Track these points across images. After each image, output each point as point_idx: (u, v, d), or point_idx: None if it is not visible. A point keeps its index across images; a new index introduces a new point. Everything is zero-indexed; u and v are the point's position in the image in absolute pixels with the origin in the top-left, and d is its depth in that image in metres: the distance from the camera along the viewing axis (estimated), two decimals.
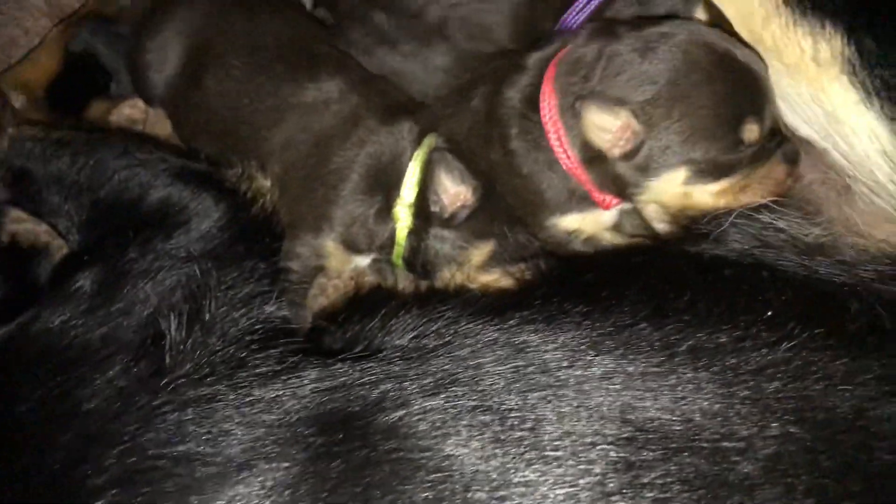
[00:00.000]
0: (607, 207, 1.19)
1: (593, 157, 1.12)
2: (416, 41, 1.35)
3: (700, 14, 1.20)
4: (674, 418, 0.84)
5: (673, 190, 1.11)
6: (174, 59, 1.35)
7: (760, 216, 1.08)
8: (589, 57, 1.12)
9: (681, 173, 1.09)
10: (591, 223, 1.22)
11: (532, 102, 1.18)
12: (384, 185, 1.18)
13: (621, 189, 1.13)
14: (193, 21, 1.36)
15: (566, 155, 1.14)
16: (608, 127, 1.06)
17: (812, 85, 1.09)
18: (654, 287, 1.00)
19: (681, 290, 0.98)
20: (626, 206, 1.21)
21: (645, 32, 1.11)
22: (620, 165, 1.10)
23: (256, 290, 1.07)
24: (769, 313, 0.93)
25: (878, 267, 1.00)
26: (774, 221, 1.07)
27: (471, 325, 1.00)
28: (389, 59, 1.36)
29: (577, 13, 1.22)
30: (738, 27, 1.17)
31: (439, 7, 1.31)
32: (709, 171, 1.08)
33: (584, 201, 1.19)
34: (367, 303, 1.15)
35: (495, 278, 1.14)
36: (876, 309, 0.92)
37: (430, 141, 1.20)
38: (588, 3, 1.22)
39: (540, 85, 1.17)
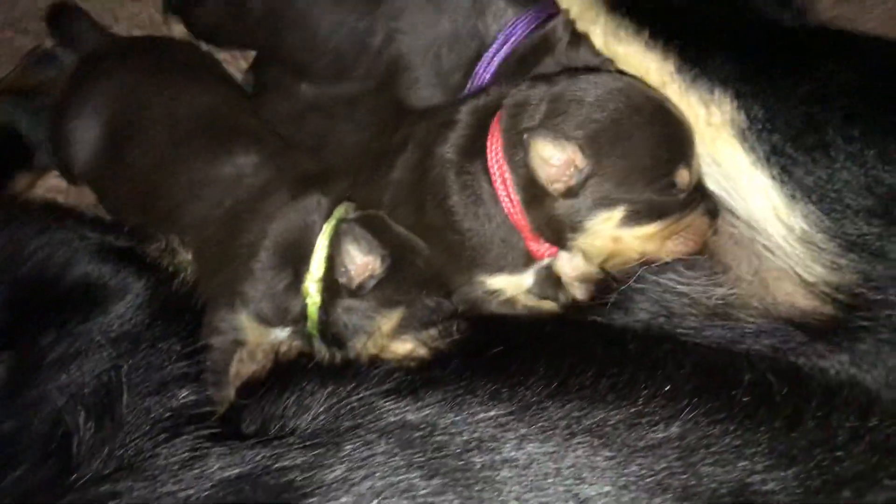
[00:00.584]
0: (541, 257, 1.20)
1: (535, 196, 1.13)
2: (341, 105, 1.36)
3: None
4: (570, 501, 0.86)
5: (607, 232, 1.13)
6: (95, 132, 1.36)
7: (667, 280, 1.10)
8: (534, 99, 1.15)
9: (617, 213, 1.11)
10: (514, 285, 1.23)
11: (469, 153, 1.21)
12: (294, 259, 1.19)
13: (558, 232, 1.15)
14: (113, 94, 1.37)
15: (508, 198, 1.16)
16: (554, 160, 1.08)
17: (709, 147, 1.13)
18: (561, 361, 1.02)
19: (586, 364, 1.00)
20: (547, 266, 1.22)
21: (587, 78, 1.15)
22: (560, 205, 1.12)
23: (171, 374, 1.07)
24: (667, 387, 0.95)
25: (776, 331, 1.03)
26: (679, 286, 1.09)
27: (381, 405, 1.01)
28: (314, 124, 1.36)
29: (487, 65, 1.23)
30: None
31: (364, 68, 1.31)
32: (644, 212, 1.11)
33: (517, 260, 1.22)
34: (285, 377, 1.16)
35: (409, 348, 1.15)
36: (768, 378, 0.95)
37: (340, 212, 1.22)
38: (496, 54, 1.24)
39: (477, 134, 1.20)
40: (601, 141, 1.08)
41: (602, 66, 1.23)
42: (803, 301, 1.07)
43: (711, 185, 1.17)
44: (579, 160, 1.07)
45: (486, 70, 1.23)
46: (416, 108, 1.29)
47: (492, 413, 0.97)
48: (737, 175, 1.11)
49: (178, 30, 1.56)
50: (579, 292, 1.23)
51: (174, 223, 1.27)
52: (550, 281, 1.25)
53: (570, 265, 1.21)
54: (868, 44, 1.17)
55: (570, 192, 1.09)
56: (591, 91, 1.11)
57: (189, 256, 1.26)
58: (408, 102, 1.29)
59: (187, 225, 1.27)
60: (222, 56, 1.53)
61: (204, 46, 1.52)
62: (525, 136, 1.09)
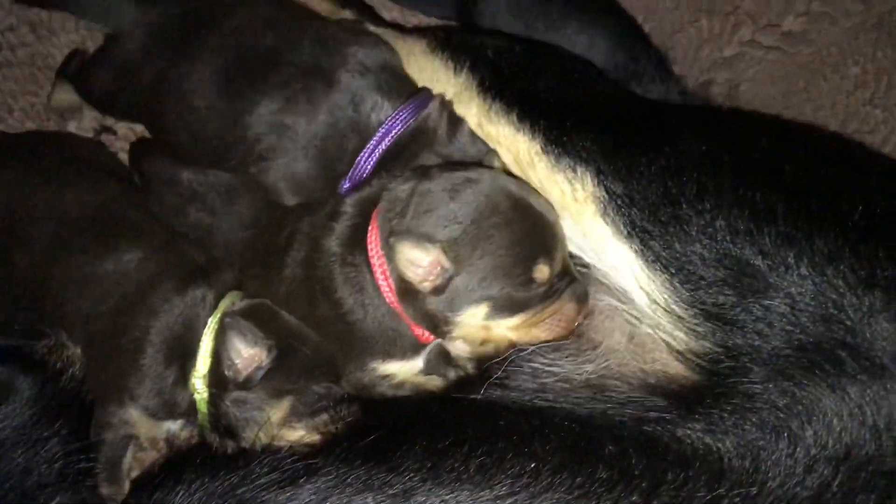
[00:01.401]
0: (426, 341, 1.24)
1: (409, 291, 1.19)
2: (223, 196, 1.37)
3: (496, 161, 1.26)
4: None
5: (476, 324, 1.18)
6: None
7: (541, 358, 1.13)
8: (404, 195, 1.20)
9: (482, 308, 1.17)
10: (406, 370, 1.27)
11: (353, 245, 1.26)
12: (180, 354, 1.21)
13: (433, 324, 1.20)
14: None
15: (389, 290, 1.21)
16: (419, 262, 1.14)
17: (577, 221, 1.17)
18: (437, 443, 1.04)
19: (460, 444, 1.03)
20: (436, 347, 1.25)
21: (454, 175, 1.21)
22: (431, 300, 1.17)
23: (51, 478, 1.07)
24: (532, 465, 0.97)
25: (644, 400, 1.06)
26: (549, 367, 1.13)
27: (264, 497, 1.03)
28: (198, 216, 1.38)
29: (369, 156, 1.27)
30: (514, 170, 1.24)
31: (245, 159, 1.33)
32: (506, 306, 1.17)
33: (407, 345, 1.27)
34: (177, 469, 1.16)
35: (300, 435, 1.17)
36: (629, 451, 0.98)
37: (225, 304, 1.23)
38: (378, 145, 1.27)
39: (361, 226, 1.25)
40: (462, 242, 1.14)
41: (479, 153, 1.26)
42: (673, 368, 1.11)
43: (585, 256, 1.20)
44: (443, 261, 1.12)
45: (367, 161, 1.26)
46: (297, 199, 1.31)
47: (367, 502, 0.98)
48: (603, 248, 1.15)
49: (72, 125, 1.56)
50: (470, 367, 1.25)
51: (62, 319, 1.27)
52: (442, 357, 1.27)
53: (455, 346, 1.24)
54: (724, 116, 1.22)
55: (438, 290, 1.14)
56: (455, 191, 1.17)
57: (77, 352, 1.25)
58: (287, 194, 1.30)
59: (75, 321, 1.27)
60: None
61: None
62: (391, 239, 1.13)
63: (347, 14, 1.62)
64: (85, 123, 1.62)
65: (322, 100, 1.27)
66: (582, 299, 1.18)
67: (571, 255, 1.22)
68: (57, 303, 1.27)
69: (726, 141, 1.15)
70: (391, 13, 1.76)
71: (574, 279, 1.18)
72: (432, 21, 1.70)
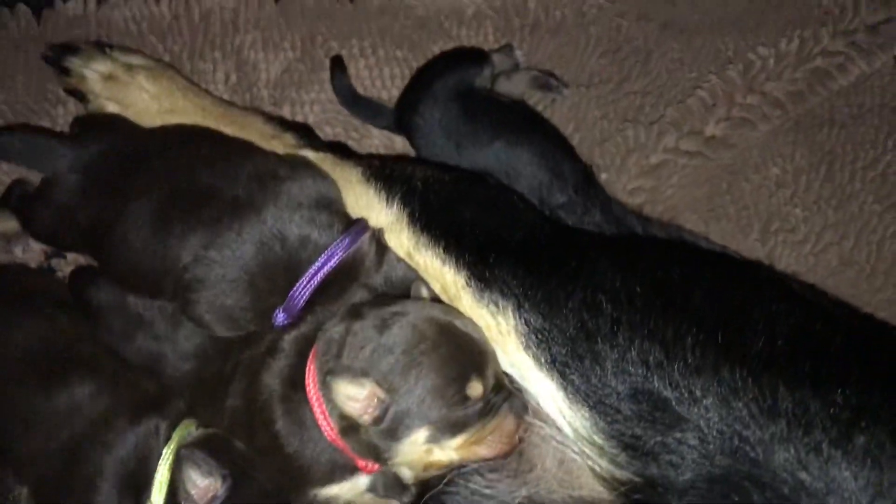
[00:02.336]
0: (370, 472, 1.30)
1: (349, 425, 1.24)
2: (168, 323, 1.42)
3: (423, 289, 1.32)
4: None
5: (418, 449, 1.24)
6: None
7: (474, 484, 1.18)
8: (338, 335, 1.27)
9: (422, 433, 1.22)
10: (349, 489, 1.31)
11: (292, 382, 1.31)
12: (134, 488, 1.24)
13: (377, 454, 1.25)
14: None
15: (328, 426, 1.25)
16: (356, 396, 1.20)
17: (504, 352, 1.23)
18: None
19: None
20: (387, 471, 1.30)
21: (382, 311, 1.27)
22: (372, 432, 1.22)
23: None
24: None
25: None
26: (485, 488, 1.18)
27: None
28: (146, 344, 1.42)
29: (303, 289, 1.32)
30: (444, 298, 1.30)
31: (185, 289, 1.38)
32: (446, 428, 1.22)
33: (346, 470, 1.31)
34: None
35: None
36: None
37: (180, 434, 1.27)
38: (312, 279, 1.32)
39: (298, 364, 1.31)
40: (395, 372, 1.20)
41: (406, 282, 1.33)
42: (599, 494, 1.16)
43: (517, 381, 1.26)
44: (379, 393, 1.17)
45: (301, 295, 1.31)
46: (227, 331, 1.36)
47: None
48: (528, 379, 1.21)
49: (19, 250, 1.60)
50: (414, 490, 1.31)
51: (10, 458, 1.30)
52: (392, 481, 1.32)
53: (400, 473, 1.29)
54: (639, 244, 1.30)
55: (377, 422, 1.19)
56: (384, 326, 1.24)
57: (25, 493, 1.28)
58: (216, 326, 1.35)
59: (24, 460, 1.29)
60: None
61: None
62: (328, 378, 1.19)
63: (289, 137, 1.68)
64: (33, 248, 1.66)
65: (251, 235, 1.33)
66: (520, 412, 1.23)
67: (507, 376, 1.27)
68: (5, 441, 1.30)
69: (640, 272, 1.22)
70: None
71: (511, 394, 1.24)
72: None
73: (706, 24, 2.00)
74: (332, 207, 1.40)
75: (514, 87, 1.87)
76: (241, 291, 1.35)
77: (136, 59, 1.79)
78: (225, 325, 1.38)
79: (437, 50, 1.95)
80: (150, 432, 1.28)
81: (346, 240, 1.35)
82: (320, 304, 1.33)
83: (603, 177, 1.80)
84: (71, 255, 1.72)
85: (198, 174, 1.40)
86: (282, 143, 1.69)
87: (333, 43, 1.92)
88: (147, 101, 1.73)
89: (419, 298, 1.30)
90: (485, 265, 1.24)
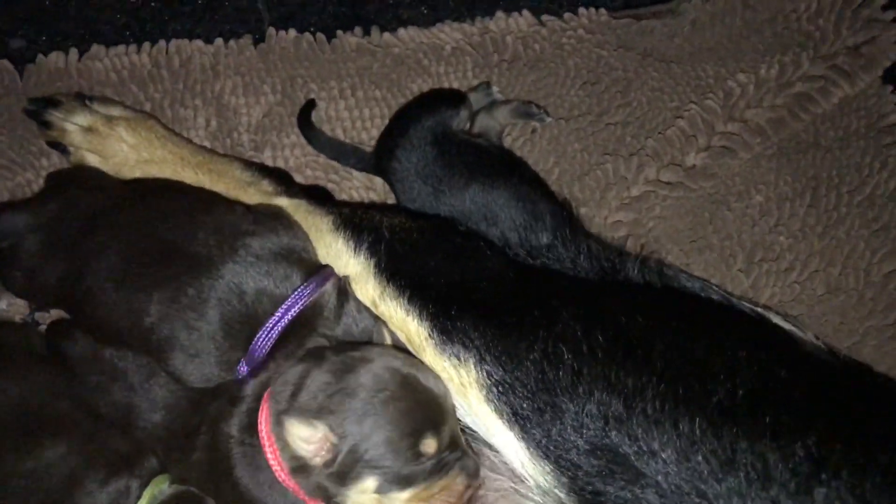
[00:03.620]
0: None
1: (301, 466, 1.24)
2: (142, 374, 1.43)
3: (386, 336, 1.32)
4: None
5: (367, 498, 1.24)
6: None
7: None
8: (296, 377, 1.27)
9: (371, 482, 1.23)
10: None
11: (250, 427, 1.32)
12: None
13: (327, 496, 1.25)
14: None
15: (280, 468, 1.26)
16: (308, 438, 1.21)
17: (467, 403, 1.23)
18: None
19: None
20: None
21: (343, 356, 1.28)
22: (323, 474, 1.23)
23: None
24: None
25: None
26: None
27: None
28: (121, 395, 1.43)
29: (262, 342, 1.33)
30: (409, 348, 1.30)
31: (139, 344, 1.39)
32: (395, 480, 1.22)
33: None
34: None
35: None
36: None
37: (150, 494, 1.28)
38: (270, 332, 1.33)
39: (255, 410, 1.32)
40: (350, 419, 1.20)
41: (367, 330, 1.33)
42: None
43: (479, 434, 1.26)
44: (331, 437, 1.18)
45: (262, 347, 1.32)
46: (201, 383, 1.37)
47: None
48: (490, 430, 1.21)
49: (3, 304, 1.62)
50: None
51: None
52: None
53: None
54: (604, 291, 1.29)
55: (328, 465, 1.20)
56: (343, 371, 1.24)
57: None
58: (188, 380, 1.36)
59: None
60: None
61: None
62: (281, 417, 1.19)
63: (265, 184, 1.69)
64: (17, 301, 1.68)
65: (210, 293, 1.34)
66: (472, 474, 1.23)
67: (469, 430, 1.26)
68: None
69: (603, 321, 1.21)
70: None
71: (464, 453, 1.24)
72: None
73: (686, 52, 1.99)
74: (292, 258, 1.40)
75: (494, 121, 1.87)
76: (207, 348, 1.36)
77: (115, 111, 1.81)
78: (197, 378, 1.39)
79: (416, 88, 1.95)
80: (121, 492, 1.28)
81: (306, 290, 1.35)
82: (281, 355, 1.33)
83: (583, 211, 1.78)
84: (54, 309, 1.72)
85: (159, 230, 1.41)
86: (258, 191, 1.70)
87: (313, 85, 1.92)
88: (126, 152, 1.74)
89: (381, 345, 1.29)
90: (447, 317, 1.24)
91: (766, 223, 1.82)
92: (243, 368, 1.36)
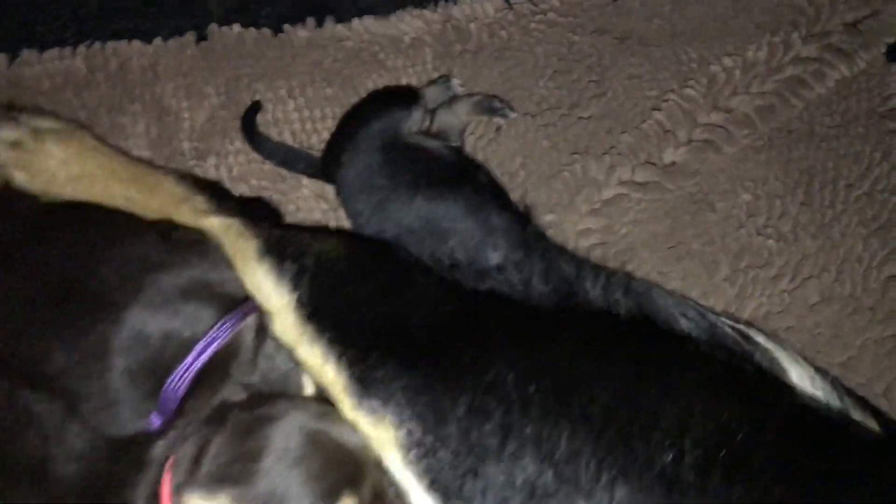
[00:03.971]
0: None
1: None
2: (57, 420, 1.32)
3: (306, 385, 1.19)
4: None
5: None
6: None
7: None
8: (197, 444, 1.15)
9: None
10: None
11: (154, 498, 1.19)
12: None
13: None
14: None
15: None
16: None
17: (388, 464, 1.09)
18: None
19: None
20: None
21: (248, 415, 1.15)
22: None
23: None
24: None
25: None
26: None
27: None
28: (34, 443, 1.32)
29: (171, 391, 1.21)
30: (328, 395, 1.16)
31: (63, 398, 1.27)
32: None
33: None
34: None
35: None
36: None
37: None
38: (179, 381, 1.22)
39: (158, 478, 1.19)
40: (255, 485, 1.07)
41: (283, 377, 1.20)
42: None
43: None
44: None
45: (170, 398, 1.20)
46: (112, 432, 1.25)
47: None
48: (413, 497, 1.07)
49: None
50: None
51: None
52: None
53: None
54: (547, 328, 1.14)
55: None
56: (248, 433, 1.11)
57: None
58: (102, 428, 1.25)
59: None
60: None
61: None
62: (181, 490, 1.07)
63: (199, 201, 1.56)
64: None
65: (112, 338, 1.21)
66: None
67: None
68: None
69: (543, 366, 1.08)
70: None
71: None
72: None
73: (666, 33, 1.81)
74: (206, 294, 1.27)
75: (455, 118, 1.71)
76: (116, 399, 1.25)
77: (45, 123, 1.68)
78: (112, 428, 1.27)
79: (371, 84, 1.80)
80: None
81: (220, 331, 1.22)
82: (194, 406, 1.20)
83: (549, 218, 1.62)
84: None
85: (62, 266, 1.28)
86: (190, 209, 1.56)
87: (259, 85, 1.77)
88: (55, 168, 1.62)
89: (298, 398, 1.16)
90: (367, 365, 1.10)
91: (754, 224, 1.64)
92: (156, 421, 1.23)
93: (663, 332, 1.20)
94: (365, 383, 1.10)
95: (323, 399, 1.19)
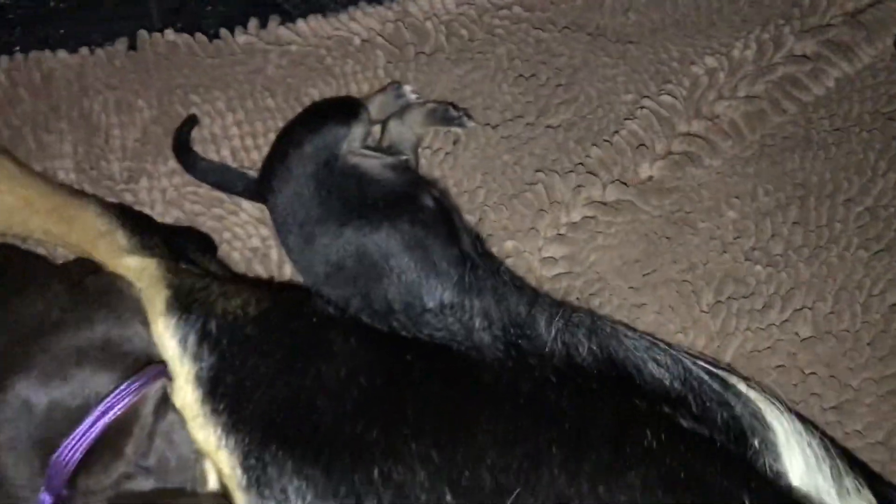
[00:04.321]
0: None
1: None
2: None
3: (212, 476, 1.04)
4: None
5: None
6: None
7: None
8: None
9: None
10: None
11: None
12: None
13: None
14: None
15: None
16: None
17: None
18: None
19: None
20: None
21: None
22: None
23: None
24: None
25: None
26: None
27: None
28: None
29: (58, 470, 1.06)
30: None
31: None
32: None
33: None
34: None
35: None
36: None
37: None
38: (66, 459, 1.07)
39: None
40: None
41: (184, 461, 1.04)
42: None
43: None
44: None
45: (59, 475, 1.06)
46: None
47: None
48: None
49: None
50: None
51: None
52: None
53: None
54: (493, 398, 0.97)
55: None
56: None
57: None
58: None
59: None
60: None
61: None
62: None
63: (119, 236, 1.42)
64: None
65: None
66: None
67: None
68: None
69: (462, 464, 0.90)
70: None
71: None
72: None
73: (644, 28, 1.61)
74: (104, 357, 1.12)
75: (408, 128, 1.53)
76: (6, 475, 1.09)
77: None
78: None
79: (317, 93, 1.63)
80: None
81: (114, 400, 1.06)
82: (87, 486, 1.05)
83: (509, 245, 1.44)
84: None
85: None
86: (109, 245, 1.42)
87: (194, 97, 1.60)
88: None
89: (196, 493, 1.00)
90: (262, 460, 0.95)
91: (740, 247, 1.45)
92: (46, 499, 1.08)
93: (619, 407, 1.03)
94: (260, 481, 0.94)
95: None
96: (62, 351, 1.13)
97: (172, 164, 1.60)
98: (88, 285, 1.26)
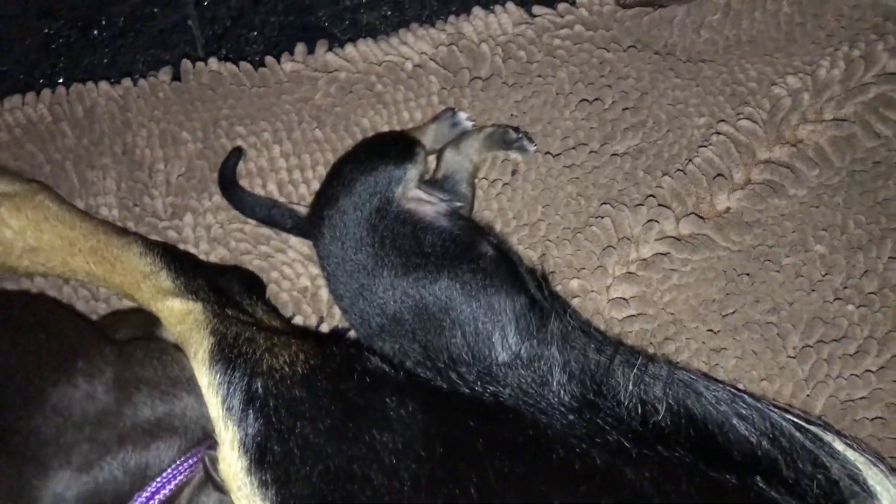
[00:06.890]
0: None
1: None
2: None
3: None
4: None
5: None
6: None
7: None
8: None
9: None
10: None
11: None
12: None
13: None
14: None
15: None
16: None
17: None
18: None
19: None
20: None
21: None
22: None
23: None
24: None
25: None
26: None
27: None
28: None
29: None
30: None
31: None
32: None
33: None
34: None
35: None
36: None
37: None
38: None
39: None
40: None
41: None
42: None
43: None
44: None
45: None
46: None
47: None
48: None
49: None
50: None
51: None
52: None
53: None
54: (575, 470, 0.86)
55: None
56: None
57: None
58: None
59: None
60: None
61: None
62: None
63: (163, 277, 1.36)
64: None
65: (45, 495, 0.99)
66: None
67: None
68: None
69: None
70: None
71: None
72: None
73: (718, 47, 1.48)
74: (158, 431, 1.03)
75: (465, 158, 1.43)
76: None
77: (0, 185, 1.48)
78: None
79: (367, 123, 1.53)
80: None
81: (166, 480, 0.98)
82: None
83: (574, 285, 1.32)
84: None
85: None
86: (152, 287, 1.35)
87: (240, 128, 1.52)
88: (10, 239, 1.43)
89: None
90: None
91: (830, 285, 1.32)
92: None
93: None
94: None
95: None
96: (101, 448, 1.06)
97: (218, 199, 1.52)
98: (135, 359, 1.18)
